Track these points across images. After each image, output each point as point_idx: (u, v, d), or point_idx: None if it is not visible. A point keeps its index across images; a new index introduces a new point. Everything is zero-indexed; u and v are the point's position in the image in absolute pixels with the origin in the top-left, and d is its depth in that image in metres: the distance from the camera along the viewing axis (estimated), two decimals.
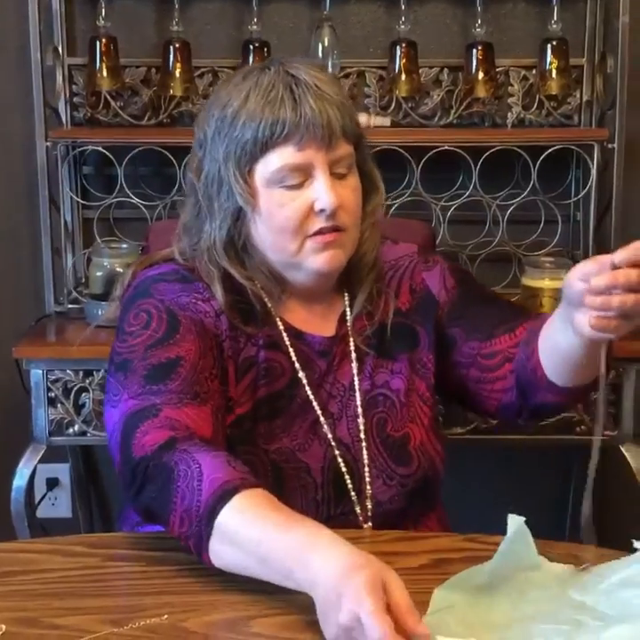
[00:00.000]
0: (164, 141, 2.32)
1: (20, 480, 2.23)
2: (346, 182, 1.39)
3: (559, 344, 1.32)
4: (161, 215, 2.37)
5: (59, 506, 2.65)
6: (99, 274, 2.31)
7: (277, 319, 1.44)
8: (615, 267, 1.14)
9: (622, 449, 2.24)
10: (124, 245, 2.37)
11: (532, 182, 2.38)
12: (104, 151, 2.38)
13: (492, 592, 1.14)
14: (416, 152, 2.35)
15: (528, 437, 2.22)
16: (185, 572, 1.24)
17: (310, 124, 1.34)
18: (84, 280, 2.46)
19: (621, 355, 2.20)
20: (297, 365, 1.43)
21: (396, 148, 2.33)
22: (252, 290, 1.41)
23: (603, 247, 2.43)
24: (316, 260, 1.38)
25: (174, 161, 2.30)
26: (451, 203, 2.41)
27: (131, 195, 2.38)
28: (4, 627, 1.11)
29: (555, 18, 2.37)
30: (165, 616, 1.14)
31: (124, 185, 2.38)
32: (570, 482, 2.58)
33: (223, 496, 1.17)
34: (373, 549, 1.27)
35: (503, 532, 1.17)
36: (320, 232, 1.37)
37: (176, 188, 2.34)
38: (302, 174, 1.36)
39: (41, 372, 2.21)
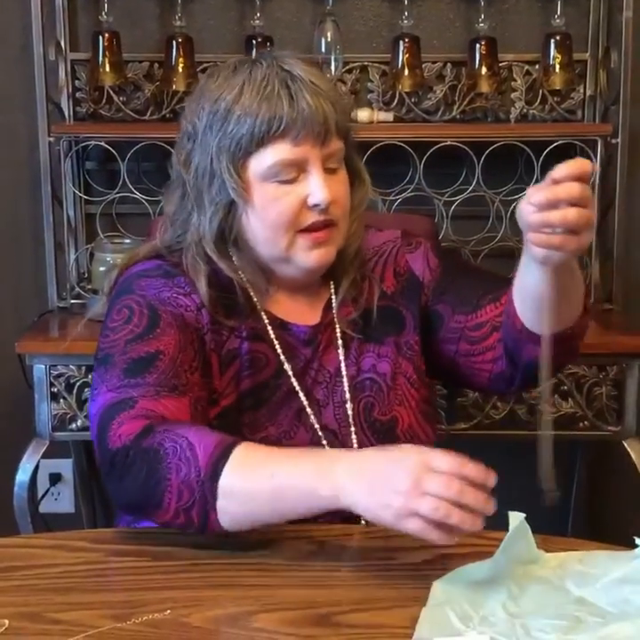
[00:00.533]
0: (166, 136, 2.31)
1: (22, 475, 2.23)
2: (337, 176, 1.41)
3: (527, 284, 1.31)
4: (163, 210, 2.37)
5: (61, 501, 2.65)
6: (101, 269, 2.32)
7: (262, 312, 1.45)
8: (556, 182, 1.14)
9: (625, 444, 2.24)
10: (127, 241, 2.36)
11: (535, 177, 2.37)
12: (107, 146, 2.38)
13: (491, 586, 1.14)
14: (419, 147, 2.35)
15: (530, 433, 2.22)
16: (187, 567, 1.24)
17: (307, 120, 1.35)
18: (86, 275, 2.46)
19: (624, 350, 2.21)
20: (282, 356, 1.43)
21: (399, 144, 2.33)
22: (239, 283, 1.42)
23: (606, 242, 2.43)
24: (308, 257, 1.40)
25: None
26: (454, 198, 2.40)
27: (133, 190, 2.38)
28: (6, 622, 1.12)
29: (558, 12, 2.36)
30: (168, 611, 1.14)
31: (127, 180, 2.38)
32: (572, 477, 2.57)
33: (222, 455, 1.20)
34: (374, 545, 1.28)
35: (505, 527, 1.17)
36: (313, 227, 1.39)
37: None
38: (296, 169, 1.37)
39: (44, 367, 2.21)
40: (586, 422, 2.24)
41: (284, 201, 1.38)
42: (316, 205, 1.37)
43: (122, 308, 1.39)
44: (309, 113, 1.35)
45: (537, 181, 2.44)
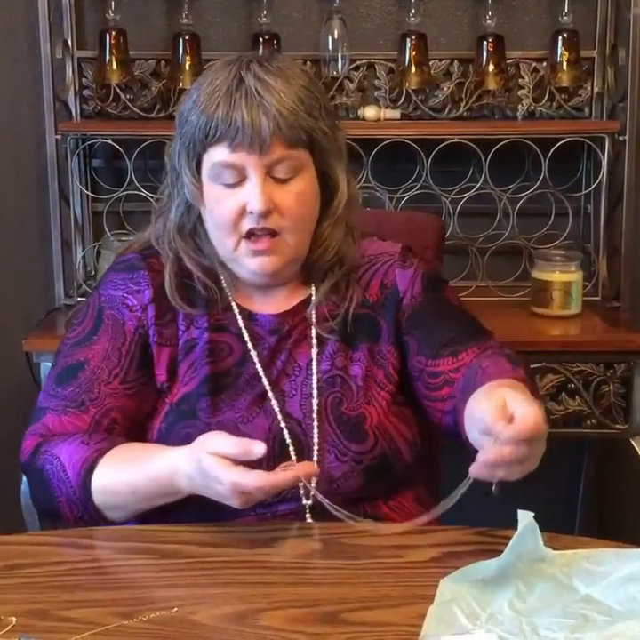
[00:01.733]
0: (173, 134, 2.32)
1: None
2: (287, 186, 1.41)
3: (477, 423, 1.26)
4: None
5: None
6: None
7: (233, 303, 1.49)
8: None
9: (632, 442, 2.24)
10: (134, 238, 2.36)
11: (542, 175, 2.37)
12: (114, 144, 2.38)
13: (498, 584, 1.14)
14: (426, 145, 2.35)
15: None
16: (194, 564, 1.24)
17: (239, 129, 1.37)
18: (93, 273, 2.46)
19: (632, 348, 2.21)
20: (249, 345, 1.48)
21: (406, 141, 2.33)
22: (198, 276, 1.48)
23: (613, 240, 2.42)
24: (251, 263, 1.44)
25: None
26: (461, 195, 2.40)
27: (140, 188, 2.38)
28: (14, 619, 1.12)
29: (566, 9, 2.36)
30: (175, 609, 1.14)
31: (134, 178, 2.38)
32: (579, 475, 2.57)
33: (86, 475, 1.36)
34: (382, 543, 1.28)
35: (512, 525, 1.17)
36: (252, 233, 1.41)
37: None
38: (238, 174, 1.40)
39: (51, 364, 2.21)
40: (593, 420, 2.23)
41: (225, 204, 1.41)
42: (251, 212, 1.40)
43: (86, 304, 1.54)
44: (242, 123, 1.37)
45: (544, 179, 2.46)
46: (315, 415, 1.45)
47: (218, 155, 1.40)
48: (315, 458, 1.43)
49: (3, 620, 1.11)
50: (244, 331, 1.48)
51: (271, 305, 1.51)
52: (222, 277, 1.49)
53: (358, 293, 1.51)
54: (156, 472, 1.34)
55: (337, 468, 1.43)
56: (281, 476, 1.26)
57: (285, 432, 1.44)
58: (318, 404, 1.46)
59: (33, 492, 1.46)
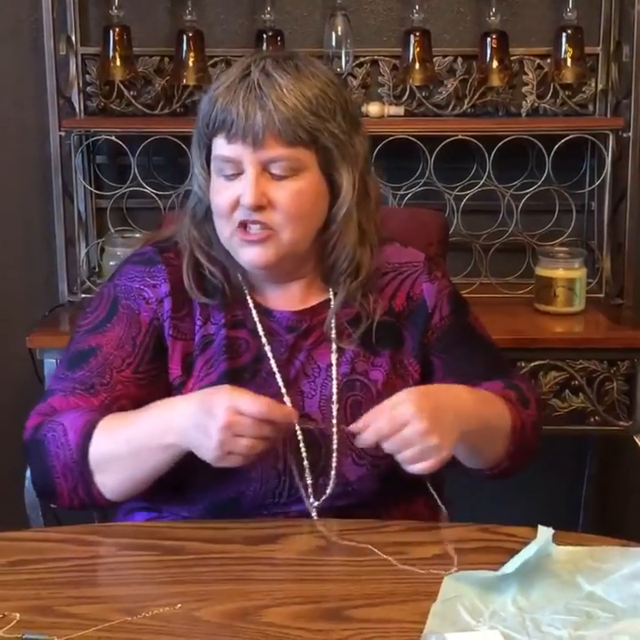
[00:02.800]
0: (177, 131, 2.32)
1: None
2: (283, 184, 1.41)
3: None
4: (174, 205, 2.37)
5: None
6: (112, 263, 2.31)
7: (249, 299, 1.49)
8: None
9: (636, 439, 2.23)
10: (138, 235, 2.36)
11: (546, 172, 2.37)
12: (117, 141, 2.38)
13: (501, 580, 1.14)
14: (430, 141, 2.34)
15: (544, 428, 2.21)
16: (198, 561, 1.24)
17: (233, 121, 1.39)
18: (97, 270, 2.46)
19: (635, 345, 2.21)
20: (264, 340, 1.47)
21: (410, 138, 2.32)
22: (207, 266, 1.49)
23: (617, 237, 2.42)
24: (244, 253, 1.44)
25: (187, 150, 2.29)
26: (464, 192, 2.40)
27: (144, 184, 2.38)
28: (17, 615, 1.12)
29: (570, 6, 2.35)
30: (178, 605, 1.14)
31: (137, 174, 2.38)
32: (583, 473, 2.57)
33: (87, 434, 1.35)
34: (385, 540, 1.28)
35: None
36: (244, 225, 1.42)
37: (189, 177, 2.33)
38: (235, 167, 1.41)
39: (55, 361, 2.21)
40: (597, 417, 2.23)
41: (222, 194, 1.43)
42: (243, 205, 1.41)
43: (100, 294, 1.53)
44: (237, 117, 1.38)
45: (548, 175, 2.45)
46: (335, 414, 1.44)
47: (218, 146, 1.42)
48: (334, 462, 1.42)
49: (6, 615, 1.12)
50: (259, 326, 1.48)
51: (287, 301, 1.50)
52: (235, 272, 1.49)
53: (383, 302, 1.50)
54: (153, 410, 1.35)
55: (353, 472, 1.43)
56: (278, 406, 1.30)
57: (299, 433, 1.43)
58: (338, 408, 1.45)
59: (32, 469, 1.44)
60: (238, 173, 1.41)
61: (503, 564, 1.16)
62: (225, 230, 1.44)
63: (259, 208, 1.40)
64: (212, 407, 1.27)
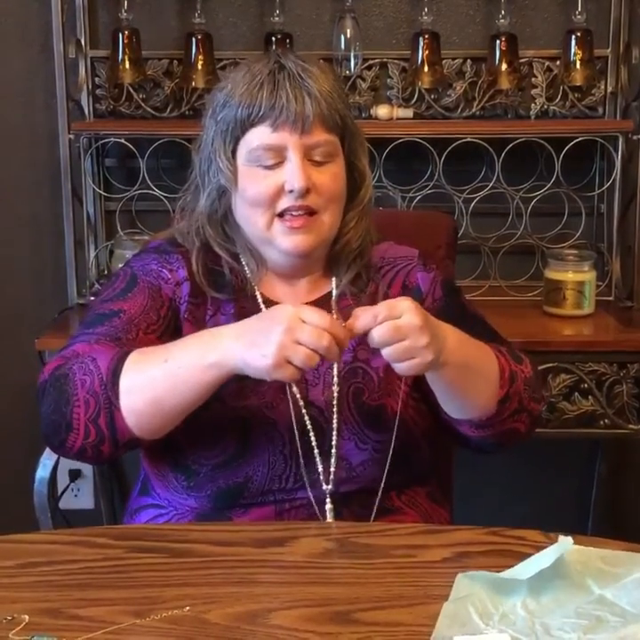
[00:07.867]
0: (186, 133, 2.32)
1: (42, 471, 2.24)
2: (323, 169, 1.46)
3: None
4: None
5: (81, 497, 2.66)
6: (121, 266, 2.32)
7: (257, 293, 1.51)
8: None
9: None
10: (146, 237, 2.37)
11: (555, 174, 2.37)
12: (126, 143, 2.38)
13: (513, 582, 1.14)
14: (439, 144, 2.34)
15: (551, 431, 2.21)
16: (207, 564, 1.24)
17: (283, 107, 1.42)
18: (106, 272, 2.47)
19: None
20: None
21: (419, 140, 2.33)
22: (227, 261, 1.51)
23: (626, 240, 2.41)
24: (285, 241, 1.46)
25: None
26: (473, 195, 2.40)
27: (153, 187, 2.38)
28: (26, 617, 1.12)
29: (579, 8, 2.35)
30: (187, 608, 1.14)
31: (147, 177, 2.38)
32: (592, 475, 2.56)
33: (120, 360, 1.32)
34: (394, 542, 1.28)
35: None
36: (289, 212, 1.44)
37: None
38: (277, 155, 1.44)
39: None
40: (606, 420, 2.23)
41: (263, 183, 1.44)
42: (291, 191, 1.43)
43: (116, 274, 1.55)
44: (286, 101, 1.42)
45: (557, 178, 2.45)
46: (335, 402, 1.46)
47: (258, 136, 1.44)
48: (334, 443, 1.45)
49: (16, 618, 1.12)
50: None
51: (294, 296, 1.53)
52: (247, 266, 1.52)
53: (383, 290, 1.54)
54: (195, 335, 1.35)
55: (356, 456, 1.46)
56: (338, 322, 1.29)
57: (307, 419, 1.46)
58: (339, 393, 1.47)
59: (44, 405, 1.37)
60: (279, 162, 1.44)
61: (512, 566, 1.16)
62: (261, 220, 1.46)
63: (306, 192, 1.43)
64: (275, 314, 1.28)
